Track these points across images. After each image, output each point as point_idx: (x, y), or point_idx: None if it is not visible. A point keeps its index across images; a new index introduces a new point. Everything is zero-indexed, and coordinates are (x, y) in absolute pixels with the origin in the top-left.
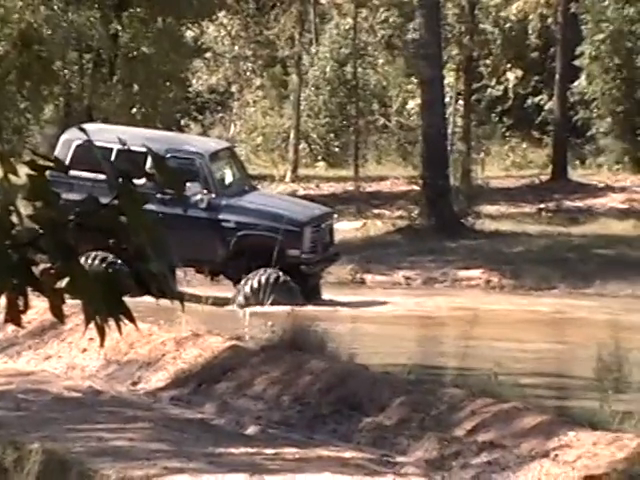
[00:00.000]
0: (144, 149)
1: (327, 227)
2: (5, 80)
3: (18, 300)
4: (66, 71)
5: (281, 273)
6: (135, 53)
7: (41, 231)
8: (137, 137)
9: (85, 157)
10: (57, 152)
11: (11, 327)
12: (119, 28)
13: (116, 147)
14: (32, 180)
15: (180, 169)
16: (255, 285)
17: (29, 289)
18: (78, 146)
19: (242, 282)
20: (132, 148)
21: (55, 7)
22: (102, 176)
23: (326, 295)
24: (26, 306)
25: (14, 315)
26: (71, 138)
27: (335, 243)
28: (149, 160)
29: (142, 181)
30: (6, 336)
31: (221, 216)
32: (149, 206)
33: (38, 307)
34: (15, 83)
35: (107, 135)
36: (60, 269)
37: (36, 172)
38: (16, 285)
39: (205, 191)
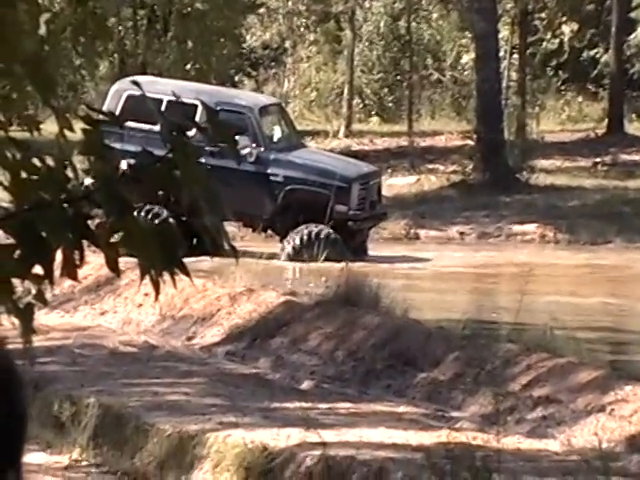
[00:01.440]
0: (194, 101)
1: (375, 185)
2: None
3: (74, 255)
4: (120, 28)
5: (328, 228)
6: (189, 9)
7: (96, 185)
8: (188, 90)
9: (136, 108)
10: (107, 103)
11: (68, 282)
12: None
13: (166, 98)
14: (86, 134)
15: (230, 122)
16: (302, 240)
17: (85, 243)
18: (129, 97)
19: (289, 237)
20: (183, 100)
21: None
22: (153, 127)
23: (375, 252)
24: (82, 260)
25: (70, 270)
26: (122, 89)
27: (382, 202)
28: (199, 112)
29: (192, 133)
30: (63, 291)
31: (269, 170)
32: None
33: (94, 263)
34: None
35: (158, 87)
36: (115, 223)
37: (90, 127)
38: (72, 239)
39: (254, 145)
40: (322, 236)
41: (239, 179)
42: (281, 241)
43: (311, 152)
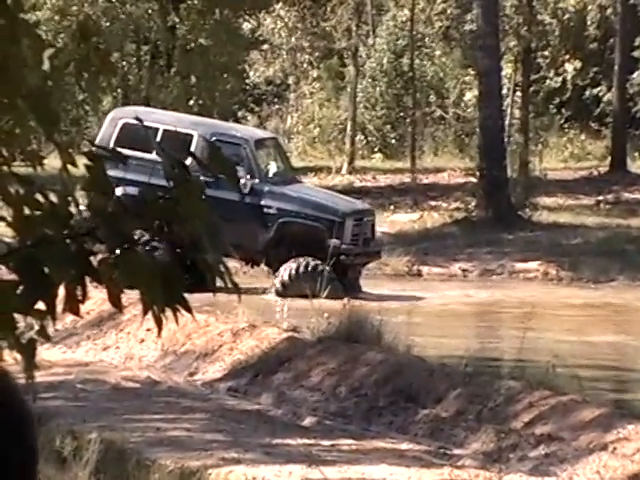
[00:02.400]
0: (190, 131)
1: (369, 223)
2: (63, 72)
3: (76, 290)
4: (124, 63)
5: (319, 262)
6: (192, 45)
7: (97, 221)
8: (183, 121)
9: (131, 136)
10: (103, 130)
11: (70, 317)
12: (177, 20)
13: (162, 127)
14: (89, 170)
15: (225, 153)
16: (291, 274)
17: (87, 279)
18: (125, 124)
19: (280, 270)
20: (178, 130)
21: None
22: (147, 155)
23: (372, 288)
24: (84, 296)
25: (73, 305)
26: (118, 116)
27: (375, 240)
28: (194, 142)
29: (188, 161)
30: (65, 327)
31: (263, 202)
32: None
33: (96, 298)
34: (73, 75)
35: (154, 116)
36: (117, 259)
37: (93, 162)
38: (74, 275)
39: (249, 176)
40: (314, 269)
41: (233, 210)
42: (273, 275)
43: (306, 187)
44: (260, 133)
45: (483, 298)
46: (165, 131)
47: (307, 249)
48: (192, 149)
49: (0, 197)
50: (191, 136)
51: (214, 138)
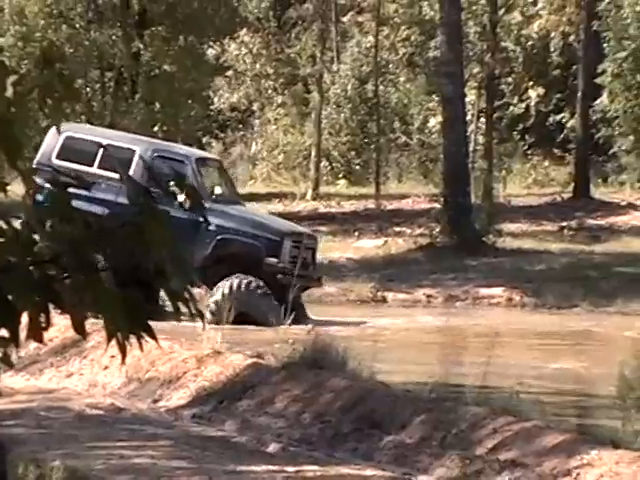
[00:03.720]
0: (132, 146)
1: (309, 247)
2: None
3: (40, 317)
4: (88, 89)
5: (254, 279)
6: (157, 71)
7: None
8: (125, 137)
9: (72, 149)
10: (45, 142)
11: (33, 344)
12: (141, 46)
13: (105, 142)
14: (53, 197)
15: (167, 170)
16: (227, 292)
17: (51, 306)
18: (67, 137)
19: (214, 289)
20: (120, 145)
21: (77, 25)
22: (88, 169)
23: (334, 314)
24: (48, 323)
25: (36, 332)
26: (61, 130)
27: (317, 268)
28: (135, 157)
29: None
30: (28, 353)
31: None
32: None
33: (60, 325)
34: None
35: (97, 132)
36: (81, 285)
37: (57, 189)
38: (38, 302)
39: None
40: (248, 287)
41: (173, 226)
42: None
43: (247, 209)
44: (202, 153)
45: (447, 324)
46: (108, 145)
47: (245, 267)
48: (133, 164)
49: None
50: (133, 151)
51: (156, 154)
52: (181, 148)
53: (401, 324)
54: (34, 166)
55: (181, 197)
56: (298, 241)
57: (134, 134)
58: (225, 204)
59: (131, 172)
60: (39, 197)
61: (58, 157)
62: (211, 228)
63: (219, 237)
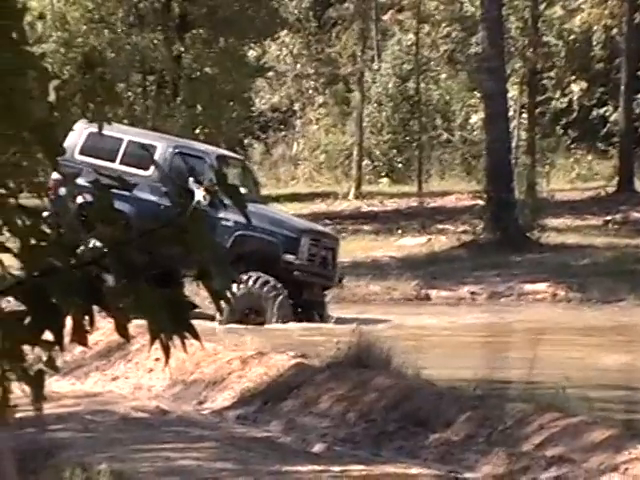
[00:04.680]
0: (154, 142)
1: (329, 246)
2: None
3: (84, 320)
4: (130, 93)
5: (271, 278)
6: (198, 74)
7: (105, 249)
8: (148, 134)
9: (95, 145)
10: (69, 138)
11: (79, 349)
12: (182, 49)
13: (127, 138)
14: (96, 199)
15: (188, 165)
16: (238, 288)
17: (95, 309)
18: (90, 134)
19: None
20: (142, 141)
21: (119, 30)
22: (110, 164)
23: (379, 313)
24: (92, 326)
25: (80, 335)
26: (84, 126)
27: (339, 268)
28: (157, 153)
29: (150, 172)
30: (74, 358)
31: (221, 214)
32: (150, 197)
33: (104, 328)
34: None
35: (120, 127)
36: (125, 287)
37: (100, 191)
38: (81, 305)
39: None
40: (263, 285)
41: None
42: None
43: (268, 208)
44: (224, 151)
45: (492, 320)
46: (130, 141)
47: (262, 264)
48: (155, 159)
49: (6, 228)
50: (154, 147)
51: (177, 150)
52: (201, 145)
53: (445, 321)
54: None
55: (199, 193)
56: (317, 239)
57: (175, 136)
58: (246, 201)
59: (151, 169)
60: (61, 191)
61: (81, 153)
62: (229, 224)
63: (237, 233)
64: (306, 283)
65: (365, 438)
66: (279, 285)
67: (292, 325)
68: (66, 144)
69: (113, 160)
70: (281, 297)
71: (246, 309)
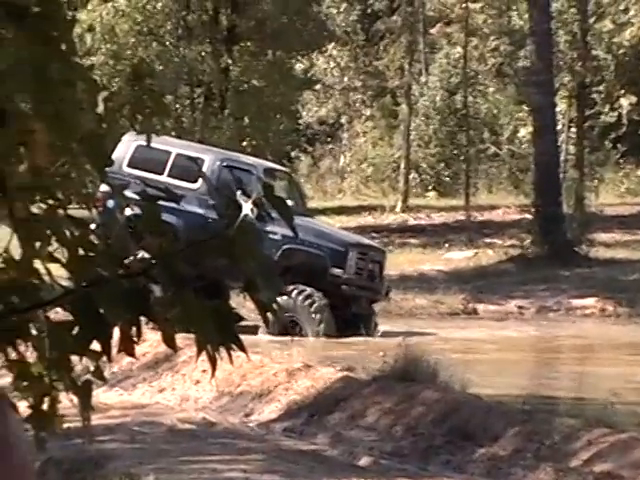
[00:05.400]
0: (201, 155)
1: (375, 260)
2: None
3: (131, 330)
4: (178, 105)
5: (315, 292)
6: (245, 86)
7: (153, 260)
8: (196, 147)
9: (143, 157)
10: (117, 151)
11: (126, 360)
12: (229, 62)
13: (175, 151)
14: (144, 210)
15: (234, 178)
16: (282, 301)
17: (143, 320)
18: (138, 146)
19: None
20: (190, 154)
21: (167, 42)
22: (158, 177)
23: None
24: (139, 336)
25: (127, 345)
26: (132, 138)
27: (385, 282)
28: (205, 166)
29: (198, 184)
30: (121, 369)
31: (269, 227)
32: (198, 210)
33: (152, 340)
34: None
35: (168, 140)
36: (172, 298)
37: (147, 202)
38: (129, 315)
39: None
40: (306, 298)
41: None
42: None
43: (315, 221)
44: (271, 164)
45: (540, 335)
46: (178, 154)
47: (309, 278)
48: (204, 170)
49: (55, 239)
50: (202, 160)
51: (225, 163)
52: (249, 158)
53: (492, 336)
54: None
55: (247, 206)
56: (364, 253)
57: (222, 148)
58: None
59: (199, 182)
60: (109, 204)
61: (129, 165)
62: (277, 238)
63: (285, 247)
64: (353, 297)
65: (412, 452)
66: (321, 298)
67: (338, 338)
68: (114, 156)
69: (161, 173)
70: (321, 310)
71: (288, 321)
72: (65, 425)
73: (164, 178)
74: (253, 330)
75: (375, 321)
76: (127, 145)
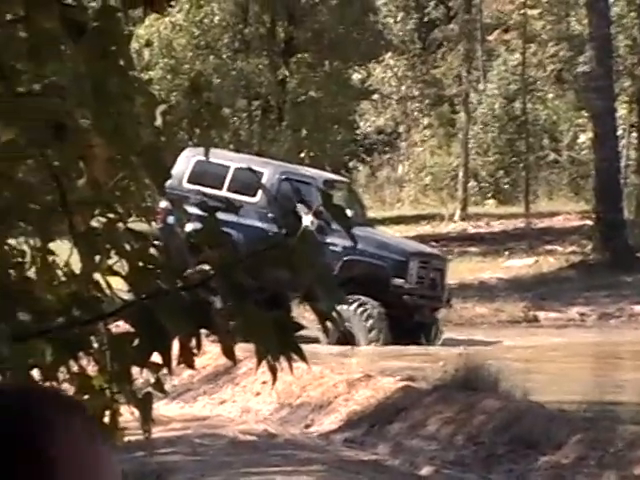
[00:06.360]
0: (261, 169)
1: (437, 268)
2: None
3: (191, 342)
4: (235, 118)
5: (372, 303)
6: (303, 98)
7: (213, 272)
8: (254, 161)
9: (203, 172)
10: (177, 167)
11: (187, 372)
12: (287, 74)
13: (234, 165)
14: (203, 222)
15: (294, 191)
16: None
17: (203, 332)
18: (197, 162)
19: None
20: (250, 168)
21: (224, 56)
22: (217, 192)
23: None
24: (199, 348)
25: (187, 357)
26: (191, 154)
27: (447, 289)
28: (265, 179)
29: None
30: (182, 382)
31: (329, 239)
32: (258, 223)
33: (212, 352)
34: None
35: (226, 154)
36: (232, 310)
37: (207, 213)
38: (189, 327)
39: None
40: (364, 311)
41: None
42: None
43: (375, 231)
44: (330, 175)
45: (602, 342)
46: (237, 169)
47: (371, 288)
48: (263, 185)
49: (115, 252)
50: (262, 174)
51: (284, 176)
52: (308, 170)
53: (553, 343)
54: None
55: (307, 218)
56: (425, 262)
57: (280, 160)
58: (353, 225)
59: (259, 195)
60: (170, 220)
61: (189, 181)
62: (337, 249)
63: (345, 258)
64: (416, 306)
65: (474, 461)
66: (374, 306)
67: (400, 347)
68: (174, 172)
69: (220, 188)
70: (373, 318)
71: (346, 331)
72: (126, 438)
73: (224, 193)
74: (314, 340)
75: (439, 328)
76: (187, 161)
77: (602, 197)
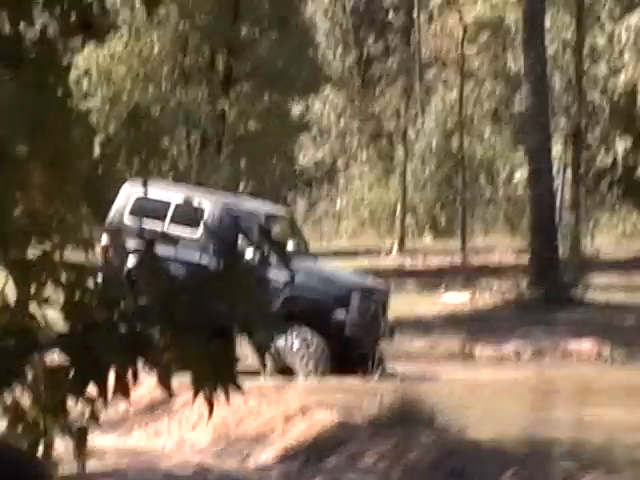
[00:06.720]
0: (201, 205)
1: (379, 299)
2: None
3: (126, 373)
4: (174, 149)
5: (306, 332)
6: (242, 130)
7: (150, 304)
8: (196, 194)
9: (143, 208)
10: (117, 202)
11: (123, 404)
12: (226, 106)
13: (175, 202)
14: (140, 252)
15: (235, 225)
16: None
17: (140, 363)
18: (137, 198)
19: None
20: (191, 203)
21: (163, 87)
22: (159, 226)
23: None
24: (135, 378)
25: (123, 389)
26: (131, 190)
27: (389, 321)
28: (206, 214)
29: (199, 232)
30: (118, 413)
31: (271, 275)
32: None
33: (148, 384)
34: (124, 160)
35: (167, 187)
36: (169, 341)
37: (146, 249)
38: (125, 358)
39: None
40: (303, 342)
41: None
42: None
43: (317, 264)
44: (272, 208)
45: (536, 377)
46: (177, 205)
47: (313, 321)
48: (204, 220)
49: (51, 282)
50: (202, 210)
51: (226, 209)
52: (250, 202)
53: (488, 378)
54: (107, 226)
55: (249, 252)
56: (368, 295)
57: (214, 191)
58: (294, 259)
59: (201, 229)
60: (110, 254)
61: (131, 214)
62: (278, 284)
63: (287, 291)
64: (357, 339)
65: None
66: (315, 339)
67: (338, 380)
68: (116, 207)
69: (163, 221)
70: (312, 351)
71: (284, 363)
72: (60, 471)
73: (166, 227)
74: (256, 372)
75: (382, 361)
76: (126, 196)
77: (537, 234)
